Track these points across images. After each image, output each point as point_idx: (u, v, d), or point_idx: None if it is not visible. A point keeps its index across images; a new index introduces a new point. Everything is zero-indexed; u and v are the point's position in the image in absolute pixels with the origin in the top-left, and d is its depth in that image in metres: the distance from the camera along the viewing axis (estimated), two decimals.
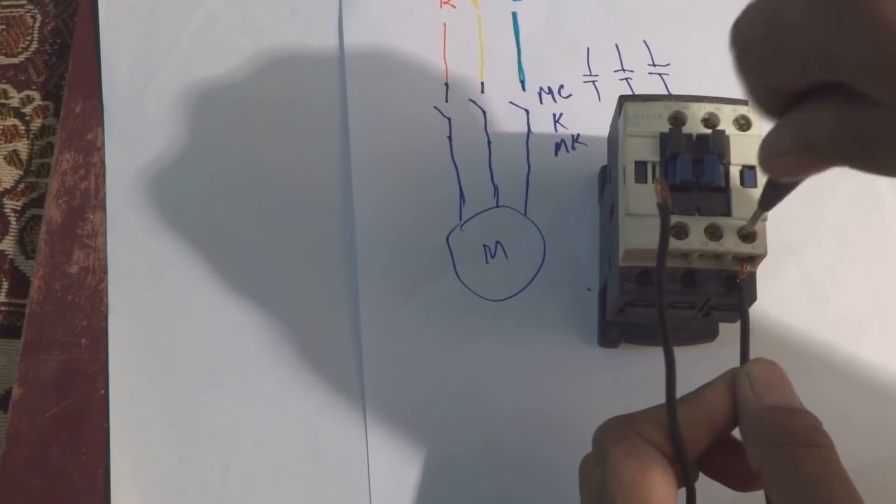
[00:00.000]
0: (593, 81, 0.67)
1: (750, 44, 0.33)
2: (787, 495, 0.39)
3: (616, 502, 0.41)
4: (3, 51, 0.74)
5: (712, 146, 0.49)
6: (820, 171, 0.36)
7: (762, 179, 0.48)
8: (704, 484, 0.45)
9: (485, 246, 0.63)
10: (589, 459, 0.45)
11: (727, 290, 0.49)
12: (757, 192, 0.48)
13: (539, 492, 0.58)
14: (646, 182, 0.49)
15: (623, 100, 0.51)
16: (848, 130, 0.32)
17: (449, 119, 0.66)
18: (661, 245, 0.45)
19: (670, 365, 0.44)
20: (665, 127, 0.49)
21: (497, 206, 0.64)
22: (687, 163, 0.48)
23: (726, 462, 0.45)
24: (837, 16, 0.28)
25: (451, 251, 0.63)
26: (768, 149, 0.37)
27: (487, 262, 0.63)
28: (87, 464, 0.61)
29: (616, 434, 0.43)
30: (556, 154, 0.65)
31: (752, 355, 0.45)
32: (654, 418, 0.43)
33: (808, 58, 0.31)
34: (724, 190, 0.48)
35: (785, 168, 0.37)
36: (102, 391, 0.62)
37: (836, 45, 0.29)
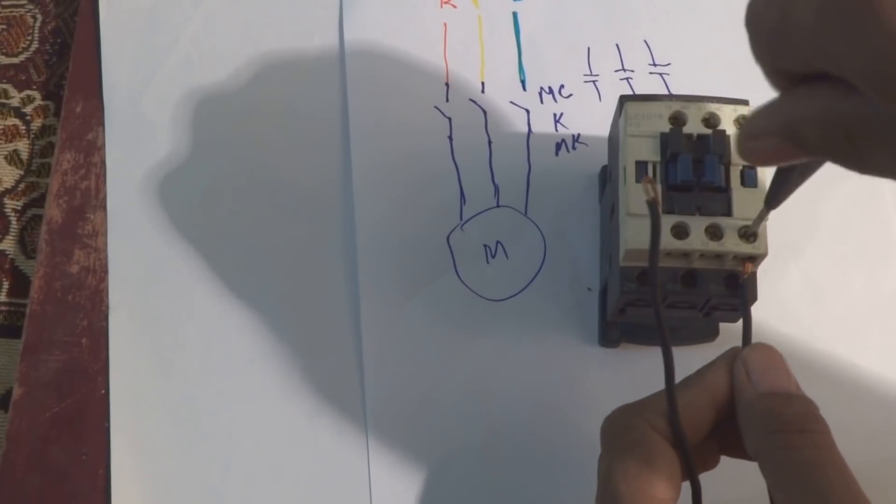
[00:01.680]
0: (594, 81, 0.67)
1: (762, 27, 0.33)
2: (782, 482, 0.39)
3: (619, 492, 0.41)
4: (4, 51, 0.74)
5: (713, 146, 0.49)
6: (794, 161, 0.36)
7: (764, 179, 0.48)
8: (710, 477, 0.45)
9: (485, 246, 0.63)
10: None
11: (728, 290, 0.49)
12: (757, 192, 0.48)
13: (539, 492, 0.58)
14: None
15: (624, 99, 0.51)
16: (838, 121, 0.32)
17: (449, 119, 0.66)
18: (652, 242, 0.45)
19: (669, 362, 0.44)
20: (665, 127, 0.50)
21: (497, 206, 0.64)
22: (687, 163, 0.48)
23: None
24: (845, 21, 0.28)
25: (451, 251, 0.63)
26: (749, 128, 0.36)
27: (488, 262, 0.63)
28: (88, 464, 0.61)
29: (622, 425, 0.44)
30: (557, 154, 0.65)
31: None
32: (661, 406, 0.43)
33: (813, 53, 0.31)
34: (725, 190, 0.48)
35: (761, 152, 0.36)
36: (103, 391, 0.62)
37: (842, 49, 0.29)
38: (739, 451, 0.44)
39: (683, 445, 0.42)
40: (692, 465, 0.43)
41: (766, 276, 0.59)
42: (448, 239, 0.63)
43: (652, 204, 0.45)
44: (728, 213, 0.48)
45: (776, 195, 0.44)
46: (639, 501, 0.41)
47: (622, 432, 0.43)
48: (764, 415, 0.41)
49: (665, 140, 0.49)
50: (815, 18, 0.30)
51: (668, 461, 0.42)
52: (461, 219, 0.64)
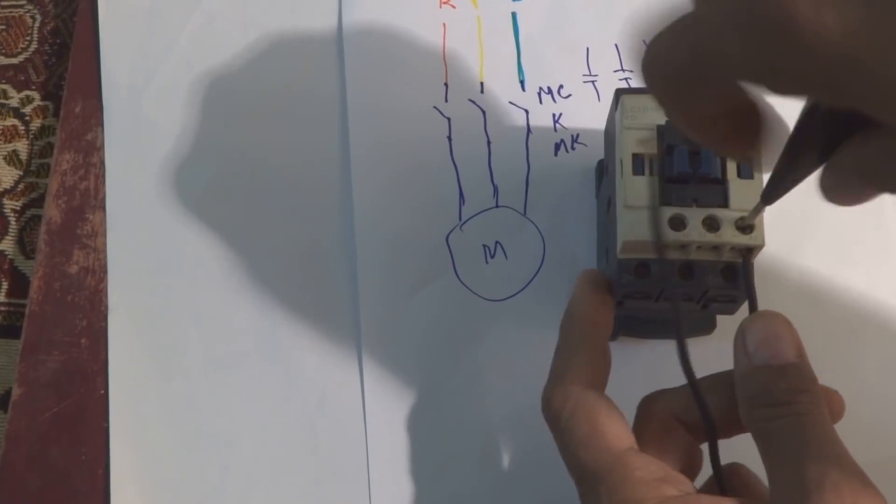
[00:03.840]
0: (593, 81, 0.67)
1: (673, 74, 0.32)
2: (766, 452, 0.40)
3: (579, 457, 0.43)
4: (3, 51, 0.74)
5: None
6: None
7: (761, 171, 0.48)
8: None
9: (484, 246, 0.63)
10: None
11: (725, 281, 0.48)
12: (754, 184, 0.48)
13: (539, 490, 0.58)
14: (643, 174, 0.49)
15: (620, 93, 0.51)
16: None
17: (448, 119, 0.66)
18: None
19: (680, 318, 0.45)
20: (662, 119, 0.49)
21: (497, 206, 0.64)
22: (684, 155, 0.48)
23: None
24: (768, 40, 0.28)
25: (450, 251, 0.63)
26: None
27: (487, 262, 0.63)
28: (87, 464, 0.61)
29: (557, 397, 0.45)
30: (556, 154, 0.65)
31: None
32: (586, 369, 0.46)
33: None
34: (722, 181, 0.48)
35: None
36: (102, 391, 0.62)
37: (770, 63, 0.28)
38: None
39: (691, 381, 0.43)
40: (700, 396, 0.43)
41: (766, 276, 0.59)
42: (447, 239, 0.63)
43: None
44: (725, 204, 0.48)
45: (772, 192, 0.44)
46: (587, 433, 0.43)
47: (560, 404, 0.45)
48: (752, 389, 0.41)
49: (661, 132, 0.49)
50: (736, 45, 0.29)
51: (610, 411, 0.44)
52: (460, 219, 0.64)
